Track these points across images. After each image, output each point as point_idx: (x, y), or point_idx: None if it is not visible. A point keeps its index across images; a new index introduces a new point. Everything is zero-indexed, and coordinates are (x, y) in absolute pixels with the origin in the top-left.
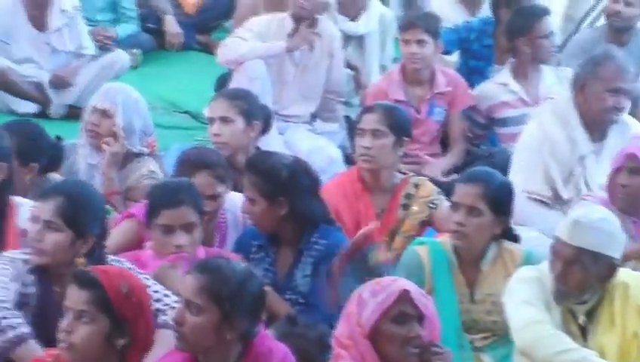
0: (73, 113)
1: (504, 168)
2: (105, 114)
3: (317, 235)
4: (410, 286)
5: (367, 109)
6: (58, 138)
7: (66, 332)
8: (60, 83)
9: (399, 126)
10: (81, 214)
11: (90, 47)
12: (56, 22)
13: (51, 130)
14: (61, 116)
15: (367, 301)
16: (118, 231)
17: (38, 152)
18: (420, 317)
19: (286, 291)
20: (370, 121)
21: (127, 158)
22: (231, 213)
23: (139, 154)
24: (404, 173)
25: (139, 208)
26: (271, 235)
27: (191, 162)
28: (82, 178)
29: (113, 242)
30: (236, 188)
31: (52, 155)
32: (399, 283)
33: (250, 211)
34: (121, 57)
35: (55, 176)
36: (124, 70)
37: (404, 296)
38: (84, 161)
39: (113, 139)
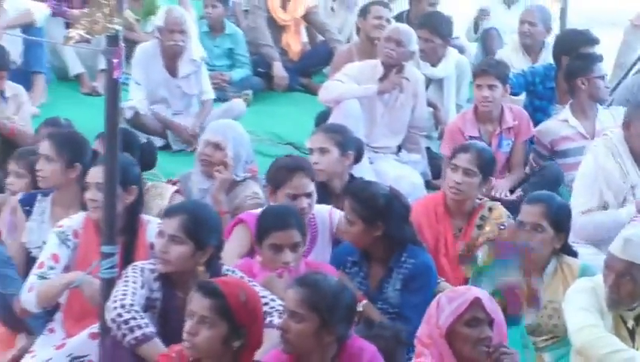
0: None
1: (554, 180)
2: (217, 146)
3: (406, 255)
4: (481, 294)
5: (463, 148)
6: (148, 140)
7: (190, 334)
8: (188, 140)
9: (487, 167)
10: (200, 229)
11: (210, 92)
12: (185, 69)
13: (172, 161)
14: (180, 149)
15: (444, 306)
16: (234, 236)
17: (132, 153)
18: (490, 321)
19: (377, 301)
20: (463, 160)
21: (234, 183)
22: (320, 218)
23: (244, 180)
24: (480, 198)
25: (248, 215)
26: (364, 252)
27: (288, 167)
28: None
29: (231, 246)
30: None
31: (145, 155)
32: (472, 291)
33: (348, 231)
34: (239, 105)
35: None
36: (241, 116)
37: (476, 303)
38: (196, 187)
39: (224, 167)
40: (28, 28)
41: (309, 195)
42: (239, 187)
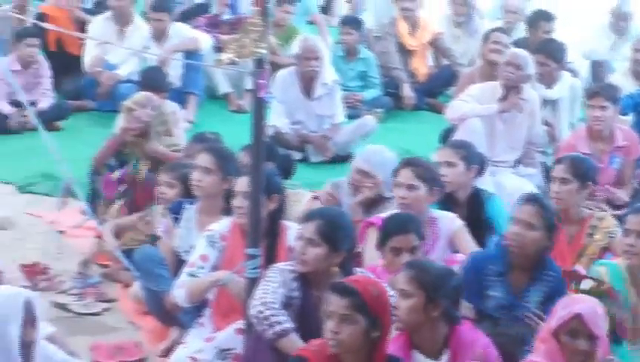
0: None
1: None
2: (366, 174)
3: (547, 266)
4: (586, 311)
5: (558, 160)
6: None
7: (333, 332)
8: (321, 146)
9: (583, 174)
10: (335, 233)
11: (341, 115)
12: (319, 92)
13: (310, 172)
14: (319, 162)
15: (557, 309)
16: (370, 238)
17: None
18: (593, 336)
19: (519, 309)
20: (559, 170)
21: (381, 199)
22: (443, 224)
23: (389, 198)
24: (591, 209)
25: (377, 218)
26: (508, 260)
27: (399, 222)
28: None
29: (369, 247)
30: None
31: (284, 166)
32: (579, 306)
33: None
34: (370, 121)
35: None
36: (372, 132)
37: (578, 318)
38: (345, 196)
39: (372, 187)
40: (189, 54)
41: (412, 250)
42: (386, 203)
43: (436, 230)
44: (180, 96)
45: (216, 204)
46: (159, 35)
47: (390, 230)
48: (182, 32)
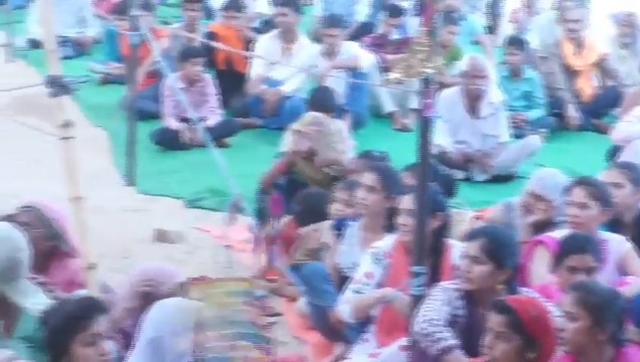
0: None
1: None
2: (539, 198)
3: None
4: None
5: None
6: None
7: (489, 348)
8: (485, 164)
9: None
10: (500, 251)
11: (505, 135)
12: (485, 111)
13: (475, 191)
14: (483, 181)
15: None
16: (538, 256)
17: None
18: None
19: None
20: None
21: (550, 225)
22: (612, 246)
23: (559, 222)
24: None
25: (547, 237)
26: None
27: (576, 243)
28: None
29: (537, 265)
30: None
31: (446, 185)
32: None
33: None
34: (535, 141)
35: None
36: (536, 152)
37: None
38: (517, 218)
39: (545, 209)
40: (353, 71)
41: (588, 271)
42: (556, 228)
43: (605, 252)
44: (340, 114)
45: (379, 222)
46: (330, 52)
47: (568, 249)
48: (351, 50)
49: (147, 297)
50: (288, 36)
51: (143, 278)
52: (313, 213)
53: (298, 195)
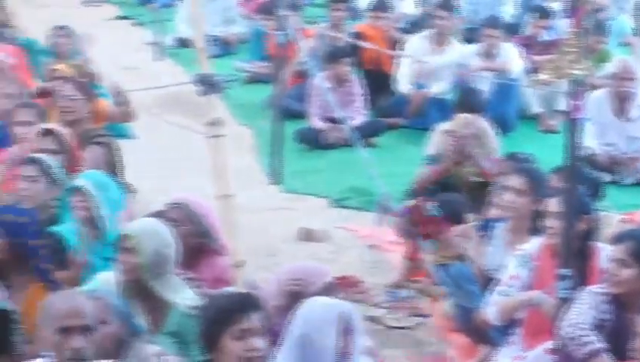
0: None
1: None
2: None
3: None
4: None
5: None
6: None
7: (638, 351)
8: (631, 165)
9: None
10: None
11: None
12: (633, 113)
13: (622, 194)
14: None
15: None
16: None
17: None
18: None
19: None
20: None
21: None
22: None
23: None
24: None
25: None
26: None
27: None
28: None
29: None
30: None
31: (593, 188)
32: None
33: None
34: None
35: None
36: None
37: None
38: None
39: None
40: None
41: None
42: None
43: None
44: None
45: (525, 224)
46: (488, 52)
47: None
48: (509, 53)
49: (295, 296)
50: (441, 38)
51: (291, 277)
52: (452, 217)
53: (438, 199)
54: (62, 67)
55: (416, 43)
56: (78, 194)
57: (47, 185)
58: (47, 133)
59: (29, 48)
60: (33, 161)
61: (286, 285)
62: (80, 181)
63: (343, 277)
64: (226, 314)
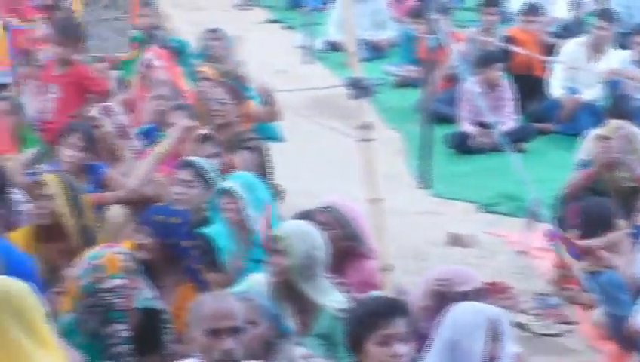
0: None
1: None
2: None
3: None
4: None
5: None
6: None
7: None
8: None
9: None
10: None
11: None
12: None
13: None
14: None
15: None
16: None
17: None
18: None
19: None
20: None
21: None
22: None
23: None
24: None
25: None
26: None
27: None
28: None
29: None
30: None
31: None
32: None
33: None
34: None
35: None
36: None
37: None
38: None
39: None
40: None
41: None
42: None
43: None
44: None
45: None
46: None
47: None
48: None
49: (441, 296)
50: (598, 47)
51: (438, 277)
52: (597, 223)
53: (583, 205)
54: (212, 71)
55: (571, 49)
56: (227, 195)
57: (201, 188)
58: (206, 137)
59: (180, 51)
60: (189, 165)
61: (432, 285)
62: (229, 183)
63: (492, 282)
64: (370, 319)
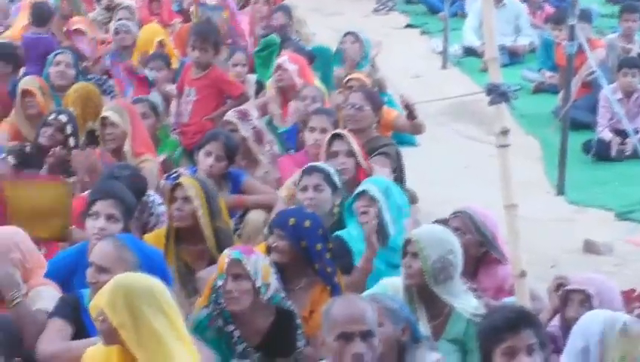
0: None
1: None
2: None
3: None
4: None
5: None
6: None
7: None
8: None
9: None
10: None
11: None
12: None
13: None
14: None
15: None
16: None
17: None
18: None
19: None
20: None
21: None
22: None
23: None
24: None
25: None
26: None
27: None
28: None
29: None
30: None
31: None
32: None
33: None
34: None
35: None
36: None
37: None
38: None
39: None
40: None
41: None
42: None
43: None
44: None
45: None
46: None
47: None
48: None
49: (574, 304)
50: None
51: (573, 283)
52: None
53: None
54: (354, 75)
55: None
56: (363, 198)
57: (331, 192)
58: (337, 136)
59: (318, 55)
60: (316, 170)
61: (564, 291)
62: (366, 186)
63: (626, 291)
64: (496, 332)
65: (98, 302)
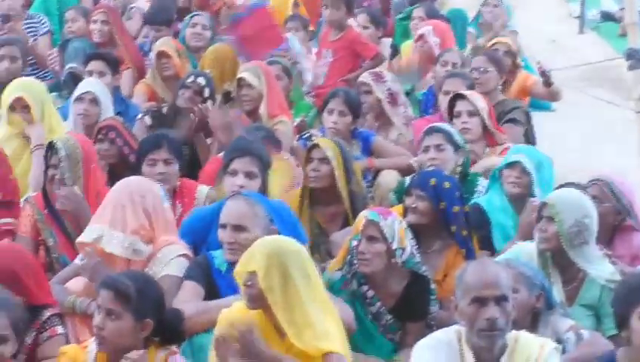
0: None
1: None
2: None
3: None
4: None
5: None
6: None
7: None
8: None
9: None
10: None
11: None
12: None
13: None
14: None
15: None
16: None
17: None
18: None
19: None
20: None
21: None
22: None
23: None
24: None
25: None
26: None
27: None
28: None
29: None
30: None
31: None
32: None
33: None
34: None
35: None
36: None
37: None
38: None
39: None
40: None
41: None
42: None
43: None
44: None
45: None
46: None
47: None
48: None
49: None
50: None
51: None
52: None
53: None
54: (500, 39)
55: None
56: (515, 169)
57: (453, 151)
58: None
59: (452, 18)
60: (437, 130)
61: None
62: (518, 156)
63: None
64: (633, 296)
65: (246, 267)
